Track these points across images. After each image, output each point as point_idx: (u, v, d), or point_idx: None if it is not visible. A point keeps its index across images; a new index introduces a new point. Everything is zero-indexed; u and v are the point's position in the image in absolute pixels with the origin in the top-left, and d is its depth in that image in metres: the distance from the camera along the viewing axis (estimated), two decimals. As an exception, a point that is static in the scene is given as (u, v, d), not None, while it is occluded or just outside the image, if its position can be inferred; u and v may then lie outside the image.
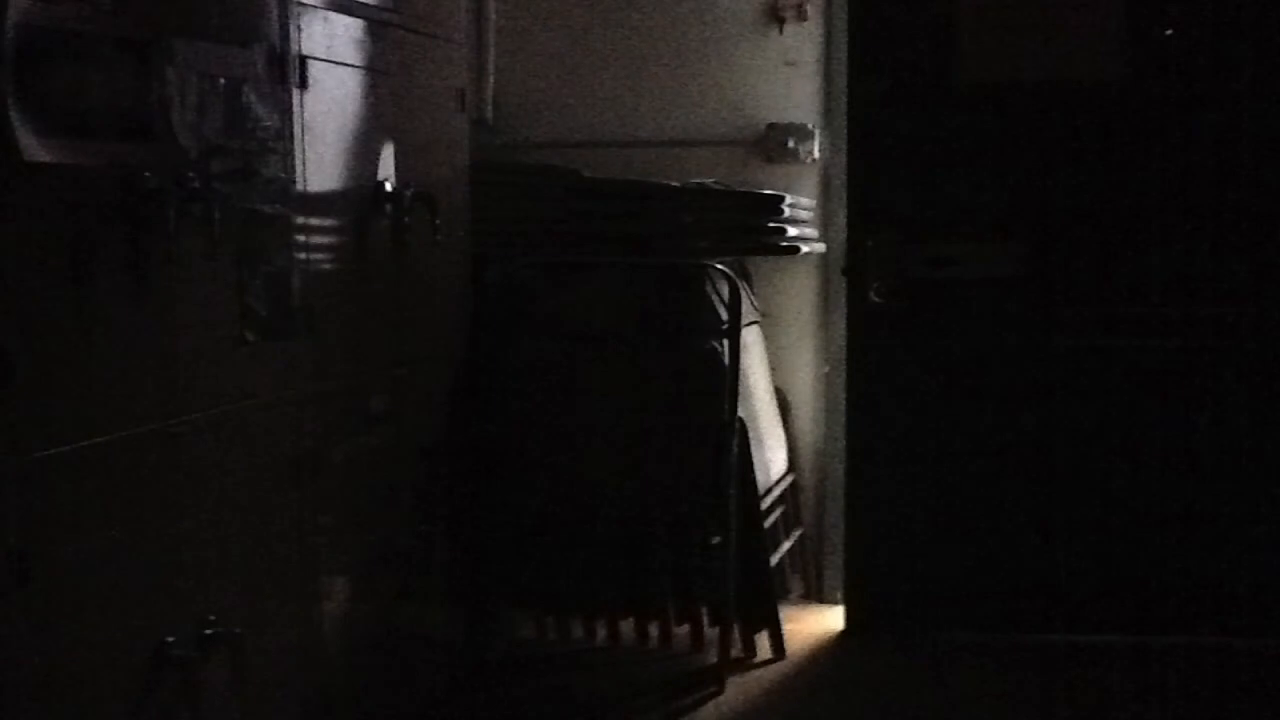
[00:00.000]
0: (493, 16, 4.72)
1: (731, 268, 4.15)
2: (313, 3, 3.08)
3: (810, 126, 4.68)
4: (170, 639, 2.61)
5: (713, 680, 3.96)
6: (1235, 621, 4.29)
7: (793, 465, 4.71)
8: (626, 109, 4.75)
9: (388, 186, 3.45)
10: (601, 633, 4.26)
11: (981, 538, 4.36)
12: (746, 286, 4.40)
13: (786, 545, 4.52)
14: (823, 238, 4.67)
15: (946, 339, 4.34)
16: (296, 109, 3.02)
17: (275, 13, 2.95)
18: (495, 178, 4.21)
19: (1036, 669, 4.13)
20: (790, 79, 4.70)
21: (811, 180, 4.72)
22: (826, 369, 4.72)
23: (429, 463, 3.72)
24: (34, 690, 2.29)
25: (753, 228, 4.31)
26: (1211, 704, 3.89)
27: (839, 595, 4.56)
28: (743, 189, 4.46)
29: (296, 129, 3.02)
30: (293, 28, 3.00)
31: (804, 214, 4.57)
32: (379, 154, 3.43)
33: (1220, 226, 4.26)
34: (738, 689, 3.95)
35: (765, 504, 4.23)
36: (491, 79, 4.73)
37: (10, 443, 2.22)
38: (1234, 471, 4.28)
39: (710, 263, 4.12)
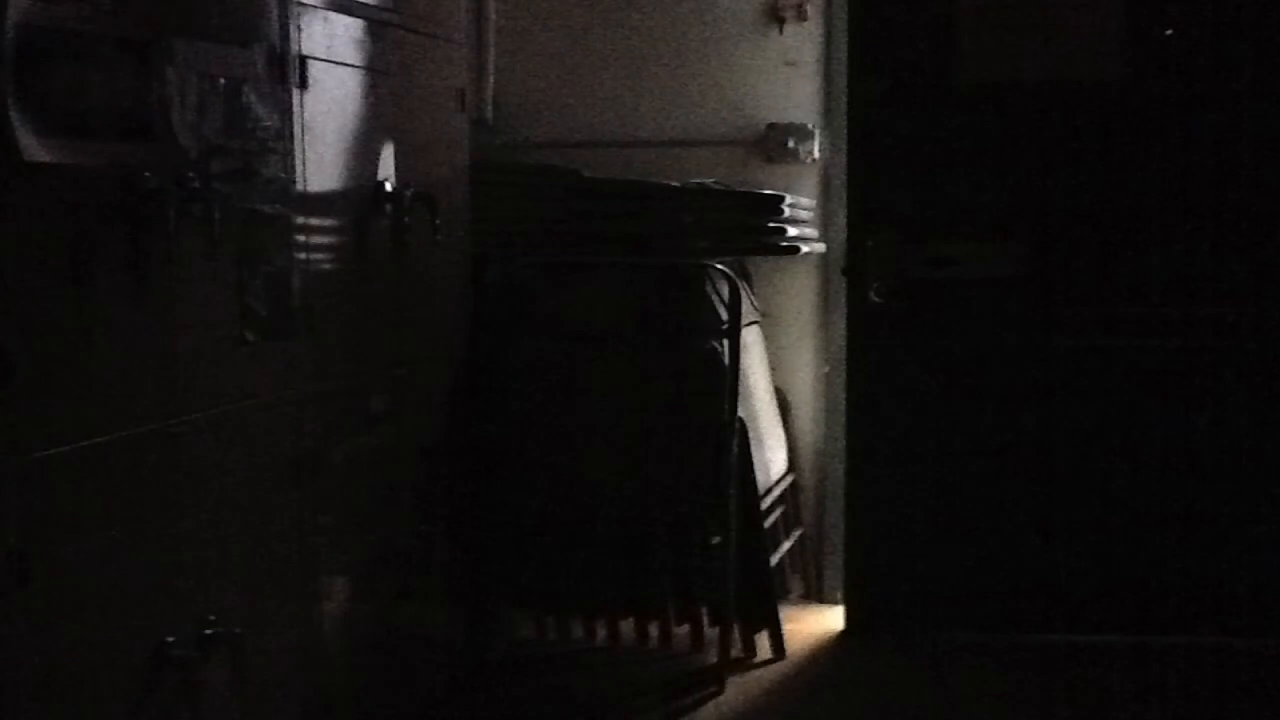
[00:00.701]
0: (493, 16, 4.72)
1: (731, 268, 4.15)
2: (313, 3, 3.08)
3: (810, 126, 4.68)
4: (170, 639, 2.61)
5: (713, 680, 3.96)
6: (1235, 621, 4.29)
7: (793, 465, 4.71)
8: (626, 109, 4.75)
9: (388, 186, 3.45)
10: (601, 633, 4.26)
11: (981, 538, 4.36)
12: (746, 286, 4.40)
13: (786, 545, 4.52)
14: (823, 238, 4.67)
15: (946, 339, 4.34)
16: (296, 109, 3.02)
17: (275, 13, 2.95)
18: (495, 178, 4.21)
19: (1036, 669, 4.13)
20: (790, 79, 4.70)
21: (811, 180, 4.72)
22: (826, 369, 4.72)
23: (429, 463, 3.72)
24: (34, 690, 2.29)
25: (753, 228, 4.31)
26: (1211, 704, 3.89)
27: (839, 595, 4.56)
28: (743, 189, 4.46)
29: (296, 129, 3.02)
30: (293, 28, 3.00)
31: (804, 214, 4.57)
32: (379, 154, 3.43)
33: (1220, 226, 4.26)
34: (738, 689, 3.95)
35: (765, 504, 4.23)
36: (491, 79, 4.73)
37: (10, 443, 2.22)
38: (1234, 471, 4.28)
39: (710, 263, 4.12)
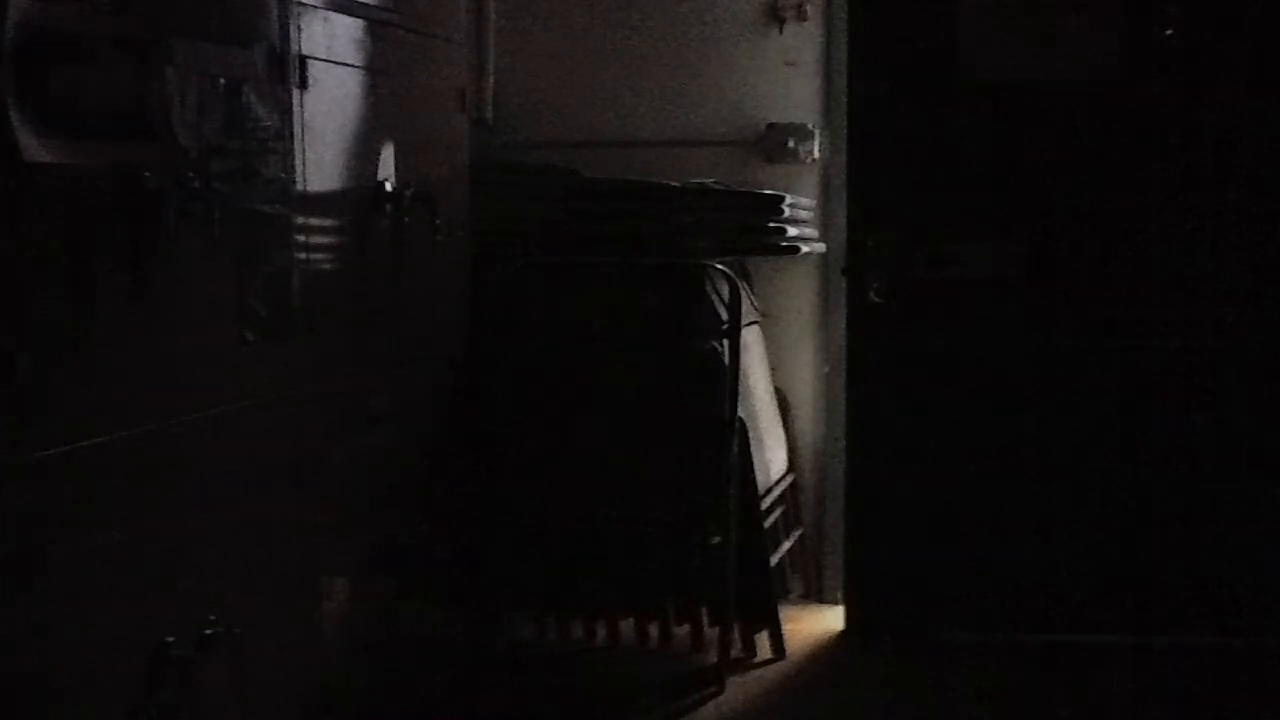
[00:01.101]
0: (493, 16, 4.72)
1: (731, 268, 4.15)
2: (313, 3, 3.08)
3: (810, 126, 4.68)
4: (170, 639, 2.61)
5: (713, 680, 3.96)
6: (1235, 621, 4.29)
7: (793, 465, 4.71)
8: (626, 109, 4.75)
9: (388, 186, 3.45)
10: (601, 633, 4.26)
11: (981, 538, 4.36)
12: (746, 286, 4.40)
13: (786, 545, 4.52)
14: (823, 238, 4.67)
15: (946, 339, 4.34)
16: (296, 109, 3.02)
17: (275, 13, 2.95)
18: (495, 178, 4.21)
19: (1036, 669, 4.13)
20: (790, 79, 4.70)
21: (811, 180, 4.72)
22: (826, 369, 4.72)
23: (429, 463, 3.72)
24: (34, 690, 2.29)
25: (753, 228, 4.31)
26: (1211, 704, 3.89)
27: (839, 595, 4.57)
28: (743, 189, 4.46)
29: (296, 129, 3.02)
30: (293, 28, 3.00)
31: (804, 214, 4.57)
32: (379, 154, 3.43)
33: (1220, 226, 4.26)
34: (738, 689, 3.95)
35: (765, 504, 4.23)
36: (491, 79, 4.73)
37: (10, 443, 2.22)
38: (1234, 471, 4.28)
39: (710, 263, 4.12)
